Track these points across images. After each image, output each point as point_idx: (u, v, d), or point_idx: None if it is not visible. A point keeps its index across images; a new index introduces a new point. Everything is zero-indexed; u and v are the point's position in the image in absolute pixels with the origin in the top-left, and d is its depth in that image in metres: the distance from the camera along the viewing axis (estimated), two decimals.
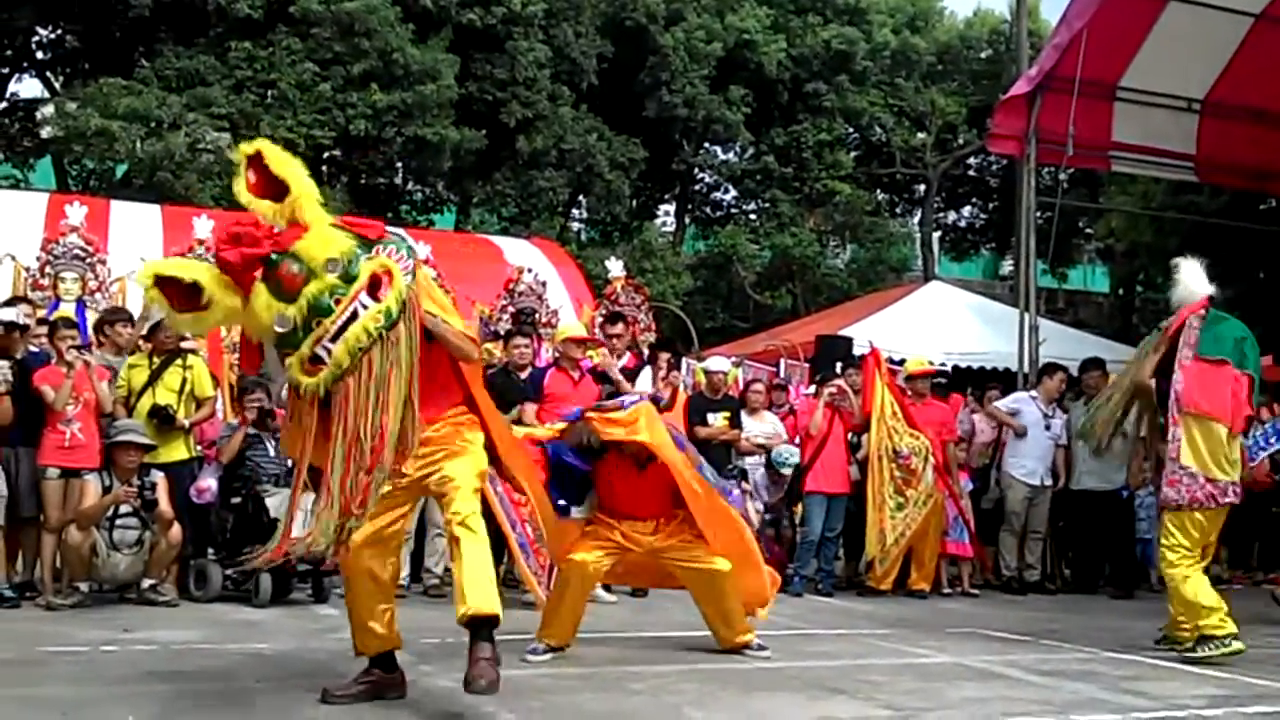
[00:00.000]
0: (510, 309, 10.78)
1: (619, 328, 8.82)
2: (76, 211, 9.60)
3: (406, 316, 3.98)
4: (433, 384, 4.21)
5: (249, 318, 3.98)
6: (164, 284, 3.88)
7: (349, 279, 3.91)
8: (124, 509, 6.96)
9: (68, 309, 8.82)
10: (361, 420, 3.90)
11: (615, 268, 11.98)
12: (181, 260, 4.04)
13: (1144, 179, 16.76)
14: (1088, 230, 23.20)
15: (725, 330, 20.74)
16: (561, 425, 5.87)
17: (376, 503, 4.04)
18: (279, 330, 3.93)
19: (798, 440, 9.14)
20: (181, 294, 3.90)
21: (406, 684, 4.60)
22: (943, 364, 12.05)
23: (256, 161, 3.95)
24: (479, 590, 4.07)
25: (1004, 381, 11.65)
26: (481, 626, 4.07)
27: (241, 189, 3.96)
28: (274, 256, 3.87)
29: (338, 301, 3.89)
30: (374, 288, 3.92)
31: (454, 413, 4.40)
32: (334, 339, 3.88)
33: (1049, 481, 9.52)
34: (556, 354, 8.32)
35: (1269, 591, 8.46)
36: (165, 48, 16.76)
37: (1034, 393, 9.85)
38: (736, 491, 6.54)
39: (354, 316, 3.88)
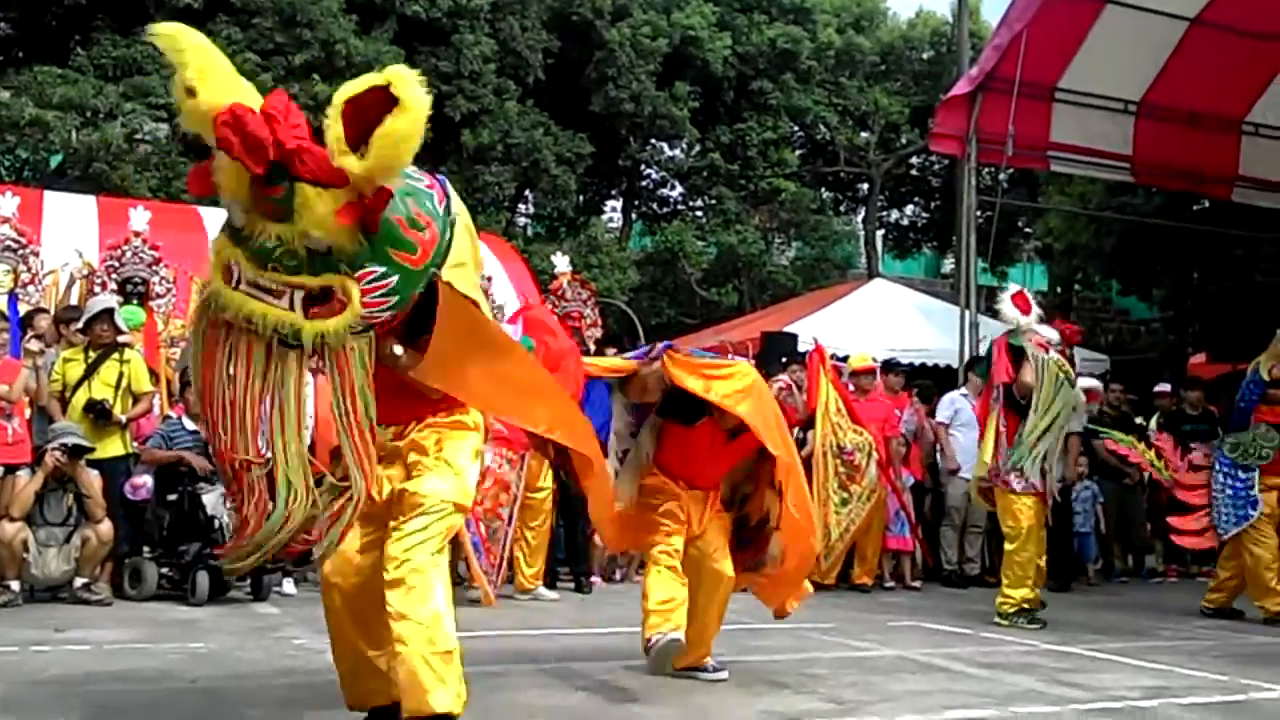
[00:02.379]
0: None
1: None
2: (8, 202, 9.37)
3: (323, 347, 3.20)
4: (406, 386, 3.50)
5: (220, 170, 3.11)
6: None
7: (323, 255, 3.13)
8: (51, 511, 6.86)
9: None
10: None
11: (561, 263, 11.93)
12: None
13: (1081, 179, 17.03)
14: (1027, 230, 23.54)
15: (672, 326, 20.73)
16: (621, 362, 5.03)
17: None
18: (230, 216, 3.16)
19: None
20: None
21: None
22: (886, 360, 12.14)
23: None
24: (420, 690, 3.33)
25: (947, 378, 11.80)
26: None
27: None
28: (269, 176, 3.02)
29: (275, 268, 3.12)
30: (319, 299, 3.17)
31: (443, 416, 3.64)
32: (242, 283, 3.12)
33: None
34: None
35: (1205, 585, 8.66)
36: (102, 36, 16.41)
37: (964, 389, 10.02)
38: None
39: (276, 295, 3.13)
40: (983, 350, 11.60)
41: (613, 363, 5.14)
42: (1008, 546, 7.49)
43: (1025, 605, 7.31)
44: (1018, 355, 7.42)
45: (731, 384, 4.84)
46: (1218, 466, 7.95)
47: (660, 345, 5.04)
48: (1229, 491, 7.86)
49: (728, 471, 5.27)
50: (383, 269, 3.25)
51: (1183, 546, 9.49)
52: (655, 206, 24.66)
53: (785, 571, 5.27)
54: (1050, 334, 7.48)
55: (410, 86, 3.09)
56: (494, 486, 7.57)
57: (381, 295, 3.25)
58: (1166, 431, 9.68)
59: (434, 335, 3.38)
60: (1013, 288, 7.82)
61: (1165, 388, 11.32)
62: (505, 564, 7.84)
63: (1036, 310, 7.50)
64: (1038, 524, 7.43)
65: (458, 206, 3.55)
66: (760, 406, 4.91)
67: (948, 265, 26.25)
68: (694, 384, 4.80)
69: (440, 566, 3.45)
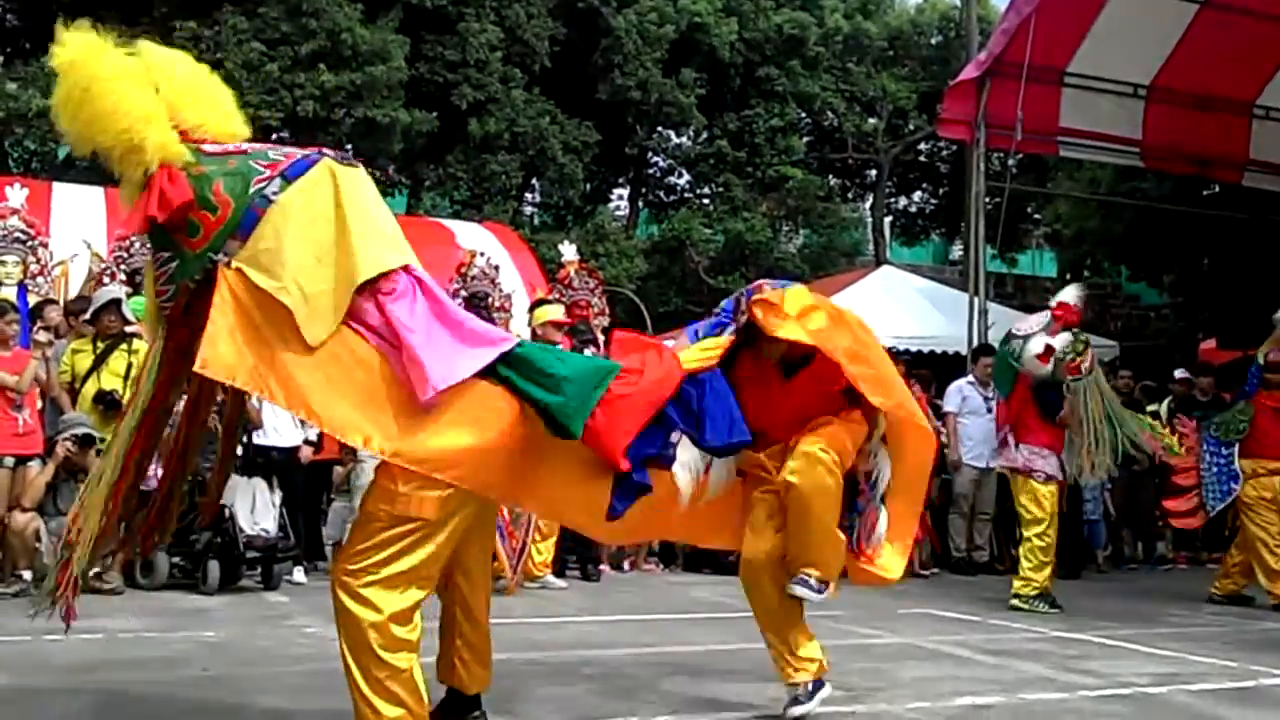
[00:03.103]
0: (463, 293, 10.72)
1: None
2: (17, 194, 9.40)
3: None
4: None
5: None
6: None
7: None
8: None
9: (9, 293, 8.64)
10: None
11: (568, 252, 11.93)
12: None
13: (1091, 165, 16.95)
14: (1036, 216, 23.44)
15: (679, 315, 20.69)
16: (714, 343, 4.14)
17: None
18: None
19: None
20: None
21: None
22: (892, 348, 12.15)
23: None
24: (358, 713, 3.21)
25: (956, 365, 11.77)
26: None
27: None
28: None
29: (161, 256, 3.09)
30: None
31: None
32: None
33: (995, 463, 9.64)
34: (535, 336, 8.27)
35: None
36: (109, 27, 16.43)
37: (970, 378, 10.01)
38: None
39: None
40: (991, 336, 11.57)
41: (707, 352, 4.09)
42: (1031, 530, 7.56)
43: (1046, 589, 7.37)
44: (1058, 395, 7.52)
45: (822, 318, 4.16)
46: (1205, 446, 8.20)
47: (744, 294, 4.26)
48: (1214, 469, 8.13)
49: (803, 413, 4.30)
50: (166, 253, 3.08)
51: (1184, 530, 9.66)
52: (662, 194, 24.63)
53: (909, 470, 4.44)
54: (1064, 340, 7.41)
55: (57, 54, 3.06)
56: None
57: (165, 282, 3.07)
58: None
59: (207, 328, 2.95)
60: (1035, 347, 7.49)
61: (1184, 374, 11.29)
62: (526, 549, 7.84)
63: (1057, 346, 7.36)
64: (1057, 510, 7.65)
65: (306, 190, 3.19)
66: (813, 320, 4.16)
67: (956, 252, 26.18)
68: (790, 331, 4.07)
69: (368, 581, 3.18)
